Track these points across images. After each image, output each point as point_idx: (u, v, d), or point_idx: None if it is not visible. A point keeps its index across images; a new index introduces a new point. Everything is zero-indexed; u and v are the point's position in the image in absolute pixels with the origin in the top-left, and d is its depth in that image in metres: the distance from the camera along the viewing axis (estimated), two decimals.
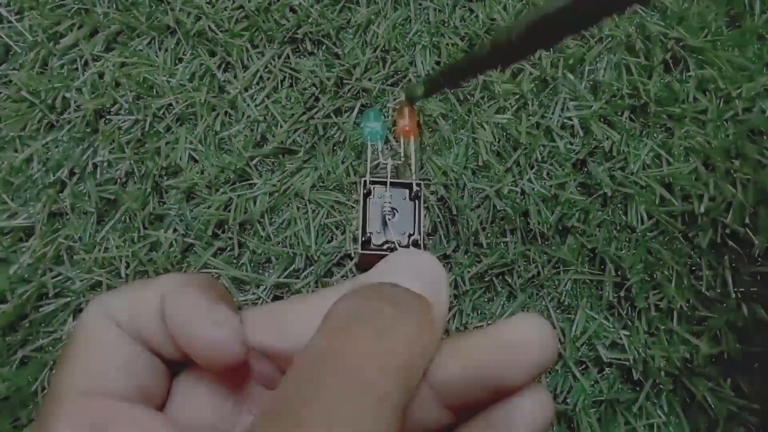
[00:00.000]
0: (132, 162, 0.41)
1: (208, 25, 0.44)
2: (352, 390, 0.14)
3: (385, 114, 0.42)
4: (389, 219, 0.36)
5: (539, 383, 0.17)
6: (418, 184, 0.37)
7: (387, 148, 0.42)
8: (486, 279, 0.39)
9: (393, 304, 0.16)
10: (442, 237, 0.40)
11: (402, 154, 0.39)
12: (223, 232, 0.40)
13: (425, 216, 0.40)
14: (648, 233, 0.40)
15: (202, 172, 0.40)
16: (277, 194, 0.40)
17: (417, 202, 0.37)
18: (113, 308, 0.18)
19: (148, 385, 0.18)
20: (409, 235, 0.37)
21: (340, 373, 0.14)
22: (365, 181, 0.37)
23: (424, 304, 0.17)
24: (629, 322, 0.39)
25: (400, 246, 0.36)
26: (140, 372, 0.18)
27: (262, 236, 0.40)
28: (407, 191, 0.38)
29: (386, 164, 0.38)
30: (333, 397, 0.14)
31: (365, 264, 0.39)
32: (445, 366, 0.17)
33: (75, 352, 0.17)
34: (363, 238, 0.36)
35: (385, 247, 0.36)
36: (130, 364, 0.17)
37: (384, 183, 0.37)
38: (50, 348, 0.37)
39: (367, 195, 0.37)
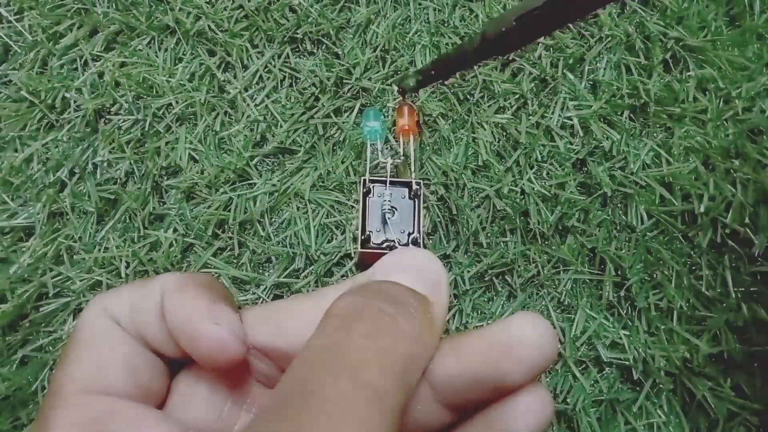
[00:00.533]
0: (132, 162, 0.41)
1: (208, 25, 0.44)
2: (351, 389, 0.14)
3: (385, 114, 0.42)
4: (389, 218, 0.36)
5: (538, 382, 0.17)
6: (417, 183, 0.37)
7: (387, 148, 0.42)
8: (486, 279, 0.39)
9: (392, 303, 0.16)
10: (442, 237, 0.40)
11: (401, 153, 0.39)
12: (223, 231, 0.40)
13: (425, 216, 0.40)
14: (648, 233, 0.40)
15: (202, 172, 0.40)
16: (277, 194, 0.40)
17: (416, 200, 0.37)
18: (113, 307, 0.18)
19: (147, 383, 0.18)
20: (409, 234, 0.37)
21: (340, 372, 0.14)
22: (365, 180, 0.37)
23: (424, 302, 0.17)
24: (629, 322, 0.39)
25: (399, 244, 0.36)
26: (140, 370, 0.18)
27: (262, 236, 0.40)
28: (407, 190, 0.38)
29: (385, 163, 0.38)
30: (332, 395, 0.14)
31: (365, 262, 0.39)
32: (445, 365, 0.17)
33: (75, 350, 0.17)
34: (362, 237, 0.36)
35: (384, 245, 0.36)
36: (130, 362, 0.17)
37: (384, 182, 0.37)
38: (50, 348, 0.37)
39: (366, 194, 0.37)
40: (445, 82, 0.43)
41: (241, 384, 0.19)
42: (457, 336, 0.17)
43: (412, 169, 0.38)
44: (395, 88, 0.35)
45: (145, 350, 0.18)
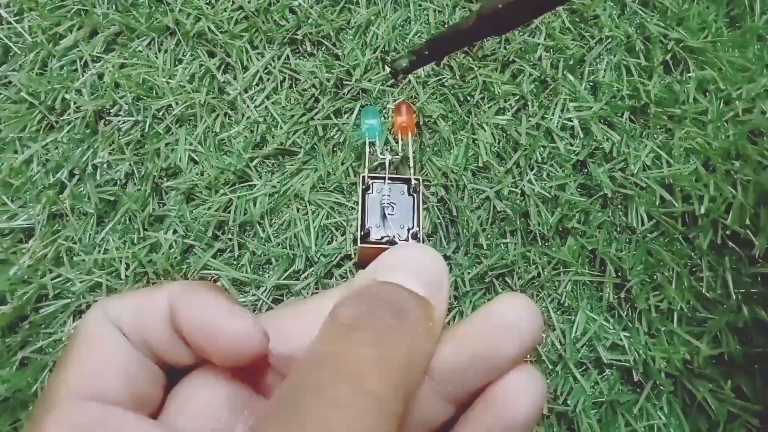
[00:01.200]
0: (132, 163, 0.41)
1: (208, 26, 0.44)
2: (351, 396, 0.14)
3: (385, 116, 0.42)
4: (388, 213, 0.37)
5: (527, 363, 0.18)
6: (416, 179, 0.38)
7: (387, 149, 0.42)
8: (486, 280, 0.39)
9: (394, 313, 0.16)
10: (442, 238, 0.40)
11: (399, 151, 0.39)
12: (223, 233, 0.40)
13: (425, 216, 0.40)
14: (648, 234, 0.40)
15: (202, 174, 0.40)
16: (277, 195, 0.40)
17: (416, 196, 0.38)
18: (117, 313, 0.18)
19: (144, 392, 0.18)
20: (408, 229, 0.37)
21: (340, 378, 0.14)
22: (364, 177, 0.37)
23: (425, 307, 0.17)
24: (629, 324, 0.39)
25: (399, 240, 0.36)
26: (137, 379, 0.17)
27: (262, 237, 0.39)
28: (406, 186, 0.38)
29: (383, 159, 0.38)
30: (333, 400, 0.14)
31: (365, 258, 0.39)
32: (441, 353, 0.17)
33: (73, 355, 0.17)
34: (362, 232, 0.36)
35: (384, 240, 0.36)
36: (127, 370, 0.17)
37: (383, 178, 0.38)
38: (50, 350, 0.37)
39: (366, 190, 0.37)
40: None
41: (239, 393, 0.19)
42: (452, 326, 0.18)
43: (411, 166, 0.39)
44: (388, 69, 0.35)
45: (144, 359, 0.18)
